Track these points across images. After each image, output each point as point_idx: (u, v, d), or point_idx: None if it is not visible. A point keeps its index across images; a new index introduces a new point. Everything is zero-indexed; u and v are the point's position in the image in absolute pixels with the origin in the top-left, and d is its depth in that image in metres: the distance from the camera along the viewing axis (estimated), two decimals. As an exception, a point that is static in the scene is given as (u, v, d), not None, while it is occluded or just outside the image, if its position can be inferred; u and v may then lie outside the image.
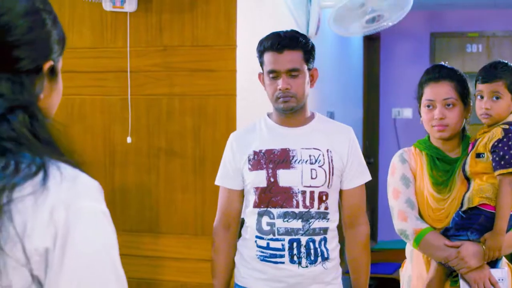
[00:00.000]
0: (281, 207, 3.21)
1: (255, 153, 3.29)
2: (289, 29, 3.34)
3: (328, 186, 3.24)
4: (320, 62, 3.69)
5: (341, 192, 3.34)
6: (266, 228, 3.24)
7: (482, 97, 3.21)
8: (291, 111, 3.26)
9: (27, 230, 1.41)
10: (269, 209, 3.24)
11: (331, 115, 6.49)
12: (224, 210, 3.42)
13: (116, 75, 4.28)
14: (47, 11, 1.68)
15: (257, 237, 3.27)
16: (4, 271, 1.40)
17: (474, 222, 3.15)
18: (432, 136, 3.37)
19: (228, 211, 3.41)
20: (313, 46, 3.30)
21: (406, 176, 3.35)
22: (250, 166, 3.28)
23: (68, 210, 1.46)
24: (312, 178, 3.22)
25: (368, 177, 3.39)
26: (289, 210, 3.21)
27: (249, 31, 4.23)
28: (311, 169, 3.22)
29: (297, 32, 3.31)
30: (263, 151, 3.28)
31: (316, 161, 3.24)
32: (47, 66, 1.64)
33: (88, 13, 4.33)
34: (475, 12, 9.00)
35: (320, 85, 4.33)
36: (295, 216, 3.21)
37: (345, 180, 3.32)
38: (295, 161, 3.23)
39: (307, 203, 3.21)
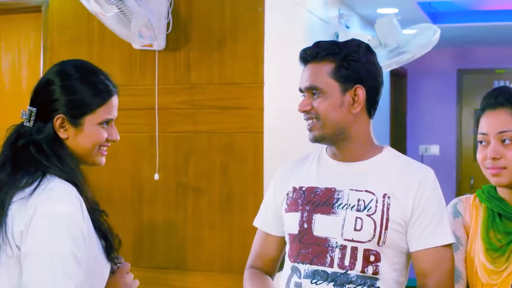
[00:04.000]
0: (311, 263, 2.42)
1: (294, 190, 2.54)
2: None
3: (378, 243, 2.37)
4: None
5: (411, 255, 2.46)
6: None
7: None
8: (322, 142, 2.51)
9: (14, 219, 2.08)
10: (297, 264, 2.46)
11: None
12: (258, 254, 2.70)
13: (145, 113, 4.31)
14: (57, 84, 2.22)
15: None
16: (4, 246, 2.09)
17: None
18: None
19: (262, 257, 2.69)
20: (357, 58, 2.44)
21: (456, 235, 2.49)
22: (286, 206, 2.55)
23: (36, 208, 2.06)
24: (355, 229, 2.38)
25: (445, 239, 2.40)
26: (320, 268, 2.40)
27: (276, 69, 4.25)
28: (356, 218, 2.39)
29: (339, 41, 2.52)
30: (303, 188, 2.52)
31: (365, 208, 2.40)
32: (55, 118, 2.20)
33: (117, 51, 4.37)
34: (502, 49, 8.98)
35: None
36: (326, 277, 2.39)
37: (411, 239, 2.40)
38: (339, 205, 2.43)
39: (346, 262, 2.38)
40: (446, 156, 9.10)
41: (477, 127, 2.48)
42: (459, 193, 8.45)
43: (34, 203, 2.07)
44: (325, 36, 5.29)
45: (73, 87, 2.21)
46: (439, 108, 9.24)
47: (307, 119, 2.48)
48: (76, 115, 2.21)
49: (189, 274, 4.23)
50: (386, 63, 5.46)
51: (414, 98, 9.29)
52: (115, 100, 2.31)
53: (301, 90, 2.51)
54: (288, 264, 2.50)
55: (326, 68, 2.43)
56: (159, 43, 4.18)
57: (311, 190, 2.49)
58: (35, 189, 2.09)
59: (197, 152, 4.22)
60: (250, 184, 4.08)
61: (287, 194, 2.56)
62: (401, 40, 5.47)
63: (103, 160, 2.40)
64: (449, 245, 2.41)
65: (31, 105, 2.24)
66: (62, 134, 2.21)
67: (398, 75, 8.78)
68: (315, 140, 2.48)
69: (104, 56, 4.42)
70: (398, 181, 2.43)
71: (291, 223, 2.50)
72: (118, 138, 2.39)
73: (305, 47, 2.52)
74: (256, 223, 2.71)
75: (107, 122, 2.30)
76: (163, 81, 4.28)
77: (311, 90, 2.45)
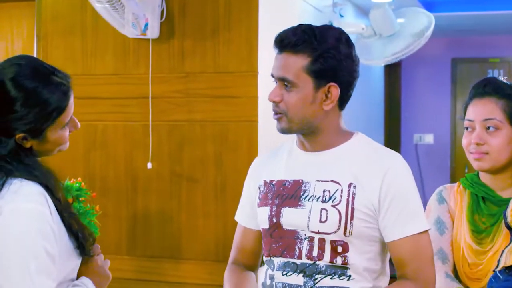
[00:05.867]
0: (281, 255, 2.40)
1: (265, 183, 2.51)
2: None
3: (345, 233, 2.32)
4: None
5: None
6: (268, 282, 2.45)
7: None
8: (290, 133, 2.45)
9: None
10: (271, 258, 2.44)
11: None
12: (238, 248, 2.67)
13: (138, 102, 4.31)
14: (17, 101, 2.12)
15: None
16: None
17: None
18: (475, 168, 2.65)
19: (243, 251, 2.65)
20: (334, 54, 2.33)
21: (441, 220, 2.67)
22: (258, 201, 2.52)
23: (1, 209, 2.05)
24: (321, 221, 2.33)
25: (420, 226, 2.35)
26: (290, 260, 2.38)
27: (270, 58, 4.23)
28: (321, 209, 2.34)
29: (316, 29, 2.39)
30: (274, 182, 2.48)
31: (330, 198, 2.35)
32: (16, 137, 2.15)
33: (111, 40, 4.36)
34: (496, 38, 8.99)
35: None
36: (295, 268, 2.37)
37: (385, 229, 2.34)
38: (306, 197, 2.38)
39: (314, 253, 2.35)
40: (440, 145, 9.12)
41: (465, 114, 2.65)
42: (453, 181, 8.46)
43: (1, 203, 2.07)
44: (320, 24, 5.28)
45: (34, 107, 2.13)
46: (433, 97, 9.25)
47: (274, 110, 2.41)
48: (36, 131, 2.16)
49: (183, 263, 4.23)
50: (385, 59, 5.46)
51: (408, 87, 9.30)
52: (71, 98, 2.23)
53: (273, 76, 2.42)
54: (264, 258, 2.50)
55: (300, 62, 2.33)
56: (153, 32, 4.17)
57: (280, 183, 2.45)
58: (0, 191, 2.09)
59: (191, 141, 4.22)
60: (244, 173, 4.03)
61: (259, 188, 2.53)
62: (396, 29, 5.46)
63: (67, 145, 2.31)
64: (425, 232, 2.35)
65: None
66: (26, 144, 2.18)
67: (392, 65, 8.75)
68: (282, 131, 2.42)
69: (98, 45, 4.41)
70: (364, 169, 2.36)
71: (262, 218, 2.46)
72: (79, 126, 2.32)
73: (281, 31, 2.40)
74: (236, 217, 2.69)
75: (69, 120, 2.25)
76: (157, 70, 4.28)
77: (283, 81, 2.37)
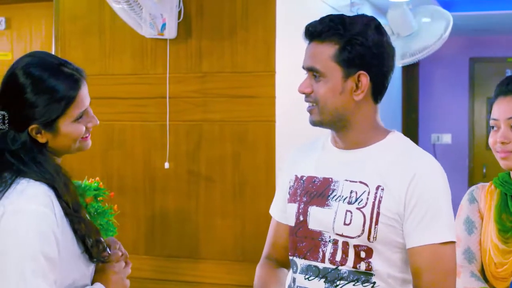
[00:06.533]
0: (305, 257, 2.32)
1: (296, 178, 2.42)
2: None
3: (369, 238, 2.21)
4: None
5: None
6: (291, 285, 2.38)
7: None
8: (321, 127, 2.35)
9: None
10: (294, 258, 2.36)
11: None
12: (271, 243, 2.58)
13: (156, 101, 4.31)
14: (28, 92, 2.16)
15: None
16: None
17: None
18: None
19: (275, 246, 2.56)
20: (362, 41, 2.22)
21: (470, 219, 2.63)
22: (288, 196, 2.44)
23: (5, 208, 2.06)
24: (345, 223, 2.23)
25: (442, 236, 2.18)
26: (312, 263, 2.29)
27: (288, 58, 4.24)
28: (347, 211, 2.24)
29: (345, 17, 2.28)
30: (304, 177, 2.38)
31: (356, 200, 2.24)
32: (30, 129, 2.17)
33: (128, 40, 4.37)
34: (514, 37, 8.95)
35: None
36: (317, 273, 2.28)
37: (406, 235, 2.21)
38: (333, 197, 2.28)
39: (337, 257, 2.25)
40: (458, 145, 9.08)
41: (490, 113, 2.61)
42: (471, 182, 8.43)
43: (3, 204, 2.08)
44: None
45: (43, 94, 2.15)
46: (451, 97, 9.21)
47: (306, 101, 2.32)
48: (48, 123, 2.17)
49: (201, 262, 4.23)
50: (403, 61, 5.44)
51: (426, 87, 9.26)
52: (84, 89, 2.24)
53: (303, 68, 2.32)
54: (289, 257, 2.42)
55: (328, 50, 2.23)
56: (170, 32, 4.17)
57: (310, 180, 2.36)
58: (6, 191, 2.10)
59: (208, 141, 4.22)
60: (262, 172, 4.07)
61: (290, 183, 2.45)
62: (414, 29, 5.44)
63: (88, 144, 2.32)
64: (449, 243, 2.18)
65: (1, 107, 2.20)
66: (40, 139, 2.19)
67: (410, 64, 8.74)
68: (314, 124, 2.33)
69: (116, 45, 4.42)
70: (392, 171, 2.23)
71: (290, 215, 2.38)
72: (98, 122, 2.32)
73: (310, 22, 2.30)
74: (270, 210, 2.60)
75: (83, 113, 2.25)
76: (175, 69, 4.28)
77: (312, 72, 2.27)
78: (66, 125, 2.20)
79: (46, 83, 2.16)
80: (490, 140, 2.61)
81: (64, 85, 2.17)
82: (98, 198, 3.59)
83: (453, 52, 8.91)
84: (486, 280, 2.56)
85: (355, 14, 4.82)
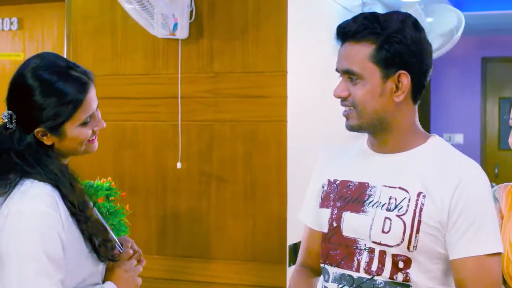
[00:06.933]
0: (338, 266, 2.21)
1: (329, 182, 2.31)
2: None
3: (408, 247, 2.09)
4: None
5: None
6: None
7: None
8: (359, 131, 2.24)
9: None
10: (326, 266, 2.26)
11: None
12: (305, 250, 2.47)
13: (167, 101, 4.32)
14: (36, 94, 2.16)
15: None
16: None
17: None
18: None
19: (309, 253, 2.45)
20: (400, 38, 2.11)
21: None
22: (320, 201, 2.32)
23: (10, 208, 2.08)
24: (383, 231, 2.12)
25: (488, 247, 2.07)
26: (346, 272, 2.18)
27: (299, 57, 4.24)
28: (385, 218, 2.12)
29: (380, 14, 2.18)
30: (337, 181, 2.28)
31: (395, 207, 2.12)
32: (36, 131, 2.18)
33: (140, 40, 4.38)
34: (527, 36, 8.93)
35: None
36: (351, 282, 2.17)
37: (449, 245, 2.10)
38: (370, 203, 2.17)
39: (373, 267, 2.13)
40: (470, 145, 9.06)
41: (510, 113, 2.57)
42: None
43: (7, 204, 2.10)
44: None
45: (50, 97, 2.15)
46: (463, 97, 9.19)
47: (343, 105, 2.19)
48: (54, 127, 2.18)
49: (212, 262, 4.23)
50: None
51: (437, 87, 9.24)
52: (91, 93, 2.23)
53: (337, 71, 2.21)
54: (320, 264, 2.30)
55: (365, 50, 2.11)
56: (182, 32, 4.17)
57: (344, 184, 2.24)
58: (11, 191, 2.12)
59: (220, 141, 4.22)
60: (274, 173, 4.07)
61: (322, 187, 2.33)
62: (426, 29, 5.43)
63: (94, 147, 2.32)
64: (495, 255, 2.07)
65: (8, 107, 2.22)
66: (46, 141, 2.20)
67: (422, 64, 8.75)
68: (351, 129, 2.20)
69: (127, 45, 4.42)
70: (435, 178, 2.11)
71: (322, 220, 2.27)
72: (104, 125, 2.31)
73: (342, 21, 2.19)
74: (301, 216, 2.47)
75: (90, 117, 2.25)
76: (186, 70, 4.28)
77: (348, 74, 2.15)
78: (73, 129, 2.21)
79: (54, 86, 2.16)
80: (510, 140, 2.57)
81: (72, 89, 2.17)
82: (110, 198, 3.60)
83: (465, 52, 8.89)
84: (504, 281, 2.48)
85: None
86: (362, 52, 2.11)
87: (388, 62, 2.10)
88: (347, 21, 2.16)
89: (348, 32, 2.14)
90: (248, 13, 4.15)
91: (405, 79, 2.12)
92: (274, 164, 4.07)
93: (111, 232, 2.37)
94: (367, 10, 5.64)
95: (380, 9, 6.27)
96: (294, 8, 4.14)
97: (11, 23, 5.33)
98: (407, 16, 2.17)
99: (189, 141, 4.28)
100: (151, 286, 4.07)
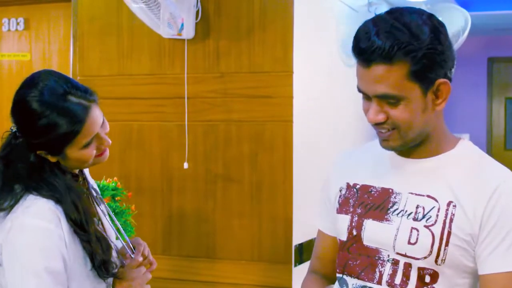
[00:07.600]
0: (358, 277, 2.06)
1: (348, 186, 2.17)
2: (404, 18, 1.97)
3: (436, 261, 1.94)
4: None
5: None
6: None
7: None
8: (400, 150, 2.06)
9: None
10: (344, 276, 2.11)
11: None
12: (317, 256, 2.37)
13: (174, 102, 4.32)
14: (40, 119, 2.12)
15: None
16: None
17: None
18: None
19: (321, 259, 2.34)
20: (436, 47, 1.92)
21: None
22: (338, 206, 2.17)
23: (12, 222, 2.07)
24: (410, 242, 1.96)
25: None
26: (367, 285, 2.03)
27: (305, 57, 4.24)
28: (412, 228, 1.97)
29: (405, 22, 1.93)
30: (358, 186, 2.14)
31: (423, 217, 1.96)
32: (38, 152, 2.18)
33: (146, 40, 4.38)
34: (533, 36, 8.91)
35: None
36: None
37: (479, 259, 1.94)
38: (395, 211, 2.02)
39: (396, 280, 1.98)
40: (476, 145, 9.01)
41: None
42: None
43: (11, 218, 2.09)
44: (355, 24, 5.26)
45: (46, 129, 2.11)
46: (469, 97, 9.18)
47: (379, 129, 2.00)
48: (55, 151, 2.17)
49: (218, 262, 4.23)
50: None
51: (443, 87, 9.23)
52: (93, 115, 2.17)
53: (362, 92, 2.00)
54: (336, 274, 2.16)
55: (401, 71, 1.89)
56: (188, 32, 4.17)
57: (366, 189, 2.10)
58: (15, 205, 2.11)
59: (226, 141, 4.22)
60: (280, 173, 4.07)
61: (340, 191, 2.18)
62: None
63: (104, 158, 2.30)
64: None
65: (14, 122, 2.21)
66: (51, 159, 2.19)
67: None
68: (392, 149, 2.04)
69: (133, 46, 4.43)
70: (467, 186, 1.96)
71: (341, 227, 2.12)
72: (110, 142, 2.27)
73: (360, 38, 1.96)
74: (316, 221, 2.35)
75: (92, 139, 2.21)
76: (192, 70, 4.28)
77: (385, 99, 1.94)
78: (74, 152, 2.19)
79: (49, 119, 2.11)
80: None
81: (69, 119, 2.12)
82: (116, 198, 3.61)
83: (471, 52, 8.88)
84: None
85: (373, 14, 4.67)
86: (399, 74, 1.89)
87: (426, 76, 1.93)
88: (368, 36, 1.92)
89: (381, 54, 1.89)
90: (254, 13, 4.15)
91: (446, 87, 1.99)
92: (280, 164, 4.07)
93: (116, 246, 2.36)
94: (373, 10, 5.63)
95: (385, 9, 6.25)
96: (300, 9, 4.14)
97: (18, 23, 5.34)
98: (432, 17, 2.00)
99: (195, 141, 4.28)
100: (157, 286, 4.07)
